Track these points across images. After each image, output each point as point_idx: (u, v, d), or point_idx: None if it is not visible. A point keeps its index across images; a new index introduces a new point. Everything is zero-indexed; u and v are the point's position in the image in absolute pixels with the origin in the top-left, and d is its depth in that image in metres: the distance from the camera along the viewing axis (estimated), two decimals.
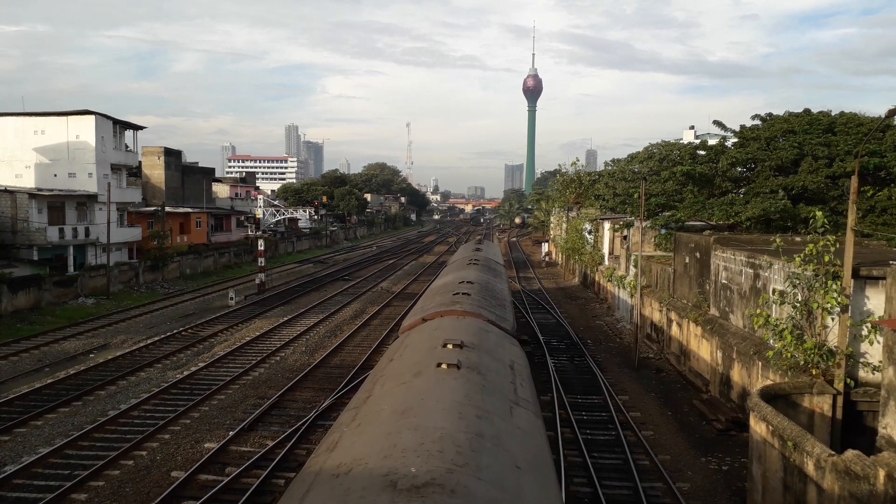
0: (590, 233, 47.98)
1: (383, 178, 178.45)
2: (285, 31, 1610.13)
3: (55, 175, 45.31)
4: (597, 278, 43.24)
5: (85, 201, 44.35)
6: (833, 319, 14.32)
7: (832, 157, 26.09)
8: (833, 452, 10.28)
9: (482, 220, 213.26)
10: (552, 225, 75.63)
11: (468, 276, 18.27)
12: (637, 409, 19.60)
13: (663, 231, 31.69)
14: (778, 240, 16.83)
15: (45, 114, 46.07)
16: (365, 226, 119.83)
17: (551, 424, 17.31)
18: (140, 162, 59.51)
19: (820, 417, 13.73)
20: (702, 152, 30.95)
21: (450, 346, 9.59)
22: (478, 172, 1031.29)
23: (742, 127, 30.91)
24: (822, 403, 13.74)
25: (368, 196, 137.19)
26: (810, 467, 10.62)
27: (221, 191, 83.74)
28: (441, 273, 27.05)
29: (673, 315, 25.17)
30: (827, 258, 14.41)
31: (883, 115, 19.01)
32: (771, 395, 13.30)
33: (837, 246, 14.45)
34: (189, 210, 59.75)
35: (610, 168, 42.51)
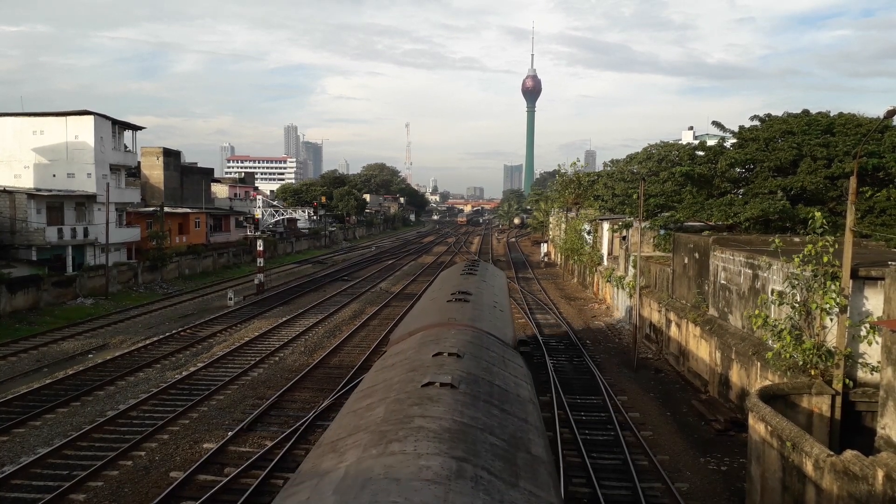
0: (589, 233, 48.03)
1: (382, 179, 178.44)
2: (286, 32, 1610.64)
3: (54, 175, 45.29)
4: (595, 279, 43.26)
5: (84, 201, 44.32)
6: (832, 320, 14.33)
7: (831, 157, 26.11)
8: (832, 453, 10.29)
9: (481, 220, 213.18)
10: (551, 225, 75.67)
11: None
12: (636, 409, 19.61)
13: (662, 232, 31.71)
14: (777, 240, 16.83)
15: (44, 114, 46.04)
16: (364, 226, 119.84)
17: (550, 425, 17.32)
18: (139, 162, 59.49)
19: (819, 418, 13.75)
20: (700, 153, 30.95)
21: None
22: (477, 173, 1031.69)
23: (741, 128, 30.92)
24: (820, 404, 13.76)
25: (367, 196, 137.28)
26: (809, 468, 10.63)
27: (220, 191, 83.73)
28: (379, 361, 11.22)
29: (672, 315, 25.17)
30: (826, 259, 14.42)
31: (881, 116, 19.00)
32: (770, 396, 13.31)
33: (836, 246, 14.46)
34: (188, 210, 59.73)
35: (609, 169, 42.57)
